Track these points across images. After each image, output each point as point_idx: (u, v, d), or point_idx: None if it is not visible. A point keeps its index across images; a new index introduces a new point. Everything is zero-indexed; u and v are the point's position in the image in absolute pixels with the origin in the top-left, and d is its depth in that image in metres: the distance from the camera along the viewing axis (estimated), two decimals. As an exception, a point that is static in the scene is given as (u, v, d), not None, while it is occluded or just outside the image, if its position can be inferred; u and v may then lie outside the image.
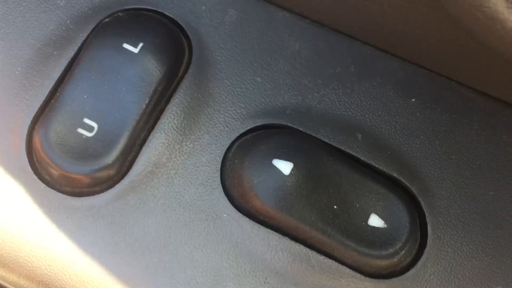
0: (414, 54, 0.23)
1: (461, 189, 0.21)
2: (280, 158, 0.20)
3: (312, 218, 0.20)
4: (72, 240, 0.20)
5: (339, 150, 0.21)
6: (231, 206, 0.20)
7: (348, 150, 0.21)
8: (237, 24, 0.22)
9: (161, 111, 0.21)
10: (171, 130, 0.21)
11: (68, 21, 0.22)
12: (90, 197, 0.20)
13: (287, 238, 0.20)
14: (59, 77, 0.21)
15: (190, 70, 0.21)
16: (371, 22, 0.22)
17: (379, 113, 0.22)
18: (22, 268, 0.20)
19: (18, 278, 0.20)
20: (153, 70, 0.20)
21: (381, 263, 0.20)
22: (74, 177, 0.19)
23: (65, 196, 0.20)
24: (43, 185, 0.20)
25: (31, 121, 0.20)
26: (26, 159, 0.20)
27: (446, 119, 0.22)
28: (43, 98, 0.21)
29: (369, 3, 0.21)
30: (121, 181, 0.20)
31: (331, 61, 0.22)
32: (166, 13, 0.22)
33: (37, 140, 0.20)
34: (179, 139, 0.21)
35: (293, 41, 0.22)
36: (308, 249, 0.20)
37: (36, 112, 0.20)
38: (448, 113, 0.22)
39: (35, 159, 0.20)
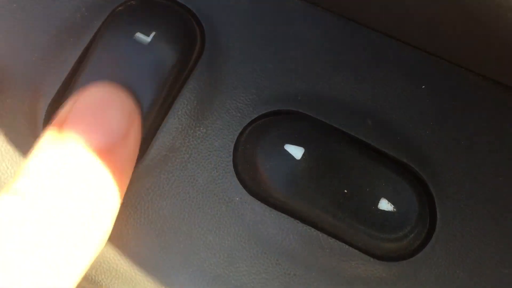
0: (425, 42, 0.23)
1: (470, 174, 0.21)
2: (291, 143, 0.20)
3: (323, 201, 0.20)
4: (89, 222, 0.20)
5: (350, 136, 0.21)
6: (243, 189, 0.20)
7: (358, 136, 0.21)
8: (249, 11, 0.22)
9: (175, 97, 0.21)
10: (184, 115, 0.21)
11: (83, 9, 0.22)
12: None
13: (298, 221, 0.20)
14: (74, 63, 0.21)
15: (203, 57, 0.22)
16: (382, 10, 0.22)
17: (390, 99, 0.22)
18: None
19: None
20: (165, 58, 0.21)
21: (390, 246, 0.20)
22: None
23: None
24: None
25: (47, 108, 0.21)
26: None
27: (456, 106, 0.22)
28: (59, 85, 0.21)
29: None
30: (136, 164, 0.20)
31: (343, 48, 0.22)
32: (178, 0, 0.22)
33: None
34: (192, 124, 0.21)
35: (305, 28, 0.23)
36: (318, 232, 0.20)
37: (53, 99, 0.21)
38: (458, 99, 0.22)
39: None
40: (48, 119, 0.21)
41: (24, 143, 0.21)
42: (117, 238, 0.20)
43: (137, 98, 0.20)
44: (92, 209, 0.17)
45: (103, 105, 0.18)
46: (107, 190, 0.17)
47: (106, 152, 0.17)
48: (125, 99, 0.19)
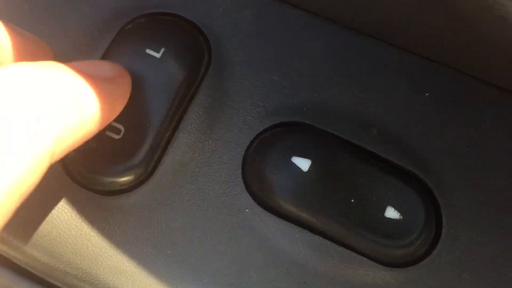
0: (427, 49, 0.23)
1: (475, 180, 0.22)
2: (298, 156, 0.21)
3: (331, 211, 0.21)
4: (104, 236, 0.21)
5: (355, 145, 0.22)
6: (253, 201, 0.21)
7: (364, 145, 0.22)
8: (253, 24, 0.23)
9: (184, 112, 0.22)
10: (193, 130, 0.22)
11: (92, 28, 0.23)
12: (120, 196, 0.21)
13: (307, 230, 0.21)
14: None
15: (209, 71, 0.22)
16: (384, 20, 0.23)
17: (394, 107, 0.22)
18: (58, 262, 0.21)
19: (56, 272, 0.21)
20: (175, 73, 0.21)
21: (397, 253, 0.21)
22: (104, 177, 0.21)
23: (96, 195, 0.21)
24: (75, 185, 0.21)
25: None
26: (59, 162, 0.21)
27: (459, 112, 0.22)
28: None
29: (383, 1, 0.21)
30: (148, 180, 0.21)
31: (346, 58, 0.23)
32: (185, 16, 0.23)
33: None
34: (201, 139, 0.22)
35: (308, 39, 0.23)
36: (327, 241, 0.21)
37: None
38: (461, 106, 0.23)
39: (66, 161, 0.21)
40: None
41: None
42: (133, 251, 0.21)
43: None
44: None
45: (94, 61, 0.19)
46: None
47: (87, 76, 0.17)
48: (116, 64, 0.19)
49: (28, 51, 0.19)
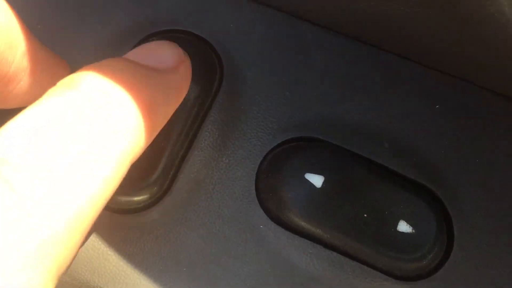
0: (438, 61, 0.23)
1: (487, 192, 0.22)
2: (311, 172, 0.21)
3: (344, 227, 0.21)
4: (121, 255, 0.21)
5: (367, 160, 0.22)
6: (267, 217, 0.21)
7: (375, 159, 0.22)
8: (265, 40, 0.23)
9: (198, 130, 0.22)
10: (207, 147, 0.22)
11: (105, 45, 0.23)
12: (136, 214, 0.21)
13: (321, 246, 0.21)
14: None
15: (222, 88, 0.22)
16: (395, 33, 0.23)
17: (405, 120, 0.23)
18: (76, 281, 0.21)
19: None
20: (188, 91, 0.21)
21: (409, 267, 0.21)
22: (120, 196, 0.21)
23: (113, 214, 0.21)
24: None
25: None
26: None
27: (471, 124, 0.23)
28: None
29: (393, 16, 0.21)
30: (164, 198, 0.21)
31: (357, 72, 0.23)
32: (197, 33, 0.23)
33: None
34: (215, 156, 0.22)
35: (320, 54, 0.23)
36: (341, 256, 0.21)
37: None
38: (472, 118, 0.23)
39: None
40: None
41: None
42: (150, 269, 0.21)
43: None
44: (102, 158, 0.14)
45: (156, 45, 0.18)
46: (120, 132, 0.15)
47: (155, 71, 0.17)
48: (176, 46, 0.18)
49: (45, 61, 0.19)
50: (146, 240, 0.21)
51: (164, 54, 0.18)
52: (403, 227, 0.21)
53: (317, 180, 0.21)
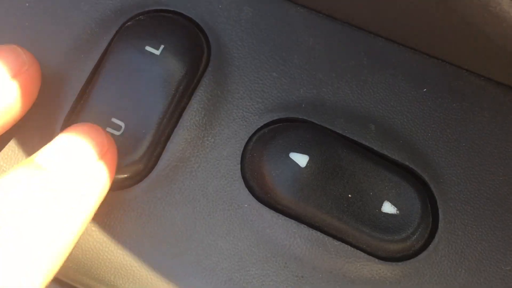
0: (425, 45, 0.23)
1: (472, 175, 0.22)
2: (296, 151, 0.21)
3: (328, 206, 0.21)
4: (105, 231, 0.21)
5: (353, 141, 0.22)
6: (251, 196, 0.21)
7: (361, 141, 0.22)
8: (253, 21, 0.23)
9: (183, 109, 0.22)
10: (193, 126, 0.22)
11: (93, 25, 0.23)
12: (120, 191, 0.21)
13: (305, 225, 0.21)
14: (86, 79, 0.22)
15: (209, 68, 0.22)
16: (382, 15, 0.23)
17: (392, 103, 0.23)
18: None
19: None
20: (174, 70, 0.22)
21: (394, 247, 0.21)
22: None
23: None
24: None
25: (63, 123, 0.22)
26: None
27: (457, 108, 0.23)
28: (73, 100, 0.22)
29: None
30: (148, 175, 0.21)
31: (345, 54, 0.23)
32: (184, 13, 0.23)
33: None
34: (200, 135, 0.22)
35: (308, 36, 0.23)
36: (324, 236, 0.21)
37: (67, 114, 0.22)
38: (459, 101, 0.23)
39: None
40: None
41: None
42: (133, 245, 0.21)
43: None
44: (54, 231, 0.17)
45: (79, 134, 0.20)
46: (72, 208, 0.18)
47: (77, 170, 0.18)
48: (101, 131, 0.20)
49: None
50: (130, 217, 0.21)
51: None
52: (388, 208, 0.21)
53: (301, 159, 0.21)
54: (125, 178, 0.21)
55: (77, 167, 0.19)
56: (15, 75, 0.20)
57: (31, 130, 0.22)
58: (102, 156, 0.19)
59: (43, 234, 0.17)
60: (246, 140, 0.22)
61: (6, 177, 0.18)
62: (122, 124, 0.21)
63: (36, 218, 0.17)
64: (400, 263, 0.21)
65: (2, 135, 0.21)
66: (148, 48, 0.22)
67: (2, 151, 0.22)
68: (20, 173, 0.18)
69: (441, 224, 0.21)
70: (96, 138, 0.19)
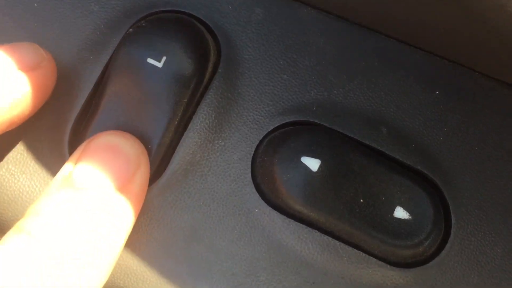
0: (437, 46, 0.23)
1: (484, 179, 0.22)
2: (308, 155, 0.21)
3: (340, 211, 0.21)
4: (115, 235, 0.21)
5: (365, 145, 0.22)
6: (262, 201, 0.21)
7: (373, 144, 0.22)
8: (263, 22, 0.23)
9: (193, 112, 0.22)
10: (203, 129, 0.22)
11: (102, 26, 0.23)
12: (130, 195, 0.21)
13: (316, 230, 0.21)
14: (96, 81, 0.22)
15: (219, 70, 0.22)
16: (394, 16, 0.22)
17: (403, 106, 0.22)
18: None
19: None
20: (184, 72, 0.21)
21: (406, 253, 0.21)
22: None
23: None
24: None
25: (71, 127, 0.22)
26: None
27: (469, 110, 0.22)
28: (82, 103, 0.22)
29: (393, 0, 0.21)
30: (159, 179, 0.21)
31: (356, 56, 0.23)
32: (194, 14, 0.23)
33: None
34: (211, 138, 0.22)
35: (318, 37, 0.23)
36: (336, 241, 0.21)
37: (75, 118, 0.22)
38: (471, 104, 0.22)
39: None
40: (72, 140, 0.21)
41: (50, 164, 0.22)
42: (144, 250, 0.21)
43: (146, 142, 0.21)
44: (99, 251, 0.18)
45: (114, 147, 0.19)
46: (113, 230, 0.18)
47: (113, 193, 0.18)
48: (134, 142, 0.20)
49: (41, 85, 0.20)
50: (140, 221, 0.21)
51: (122, 162, 0.19)
52: (400, 213, 0.21)
53: (313, 163, 0.21)
54: (135, 182, 0.21)
55: (118, 184, 0.18)
56: (33, 68, 0.20)
57: (40, 134, 0.22)
58: (137, 170, 0.19)
59: (95, 252, 0.17)
60: (256, 143, 0.22)
61: (48, 201, 0.18)
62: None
63: (87, 240, 0.17)
64: (412, 269, 0.21)
65: (12, 138, 0.21)
66: (150, 61, 0.21)
67: (11, 153, 0.22)
68: (62, 196, 0.18)
69: (453, 230, 0.21)
70: (130, 151, 0.19)
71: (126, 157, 0.19)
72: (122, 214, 0.18)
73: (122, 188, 0.18)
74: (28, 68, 0.20)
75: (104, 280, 0.18)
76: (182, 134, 0.21)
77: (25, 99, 0.20)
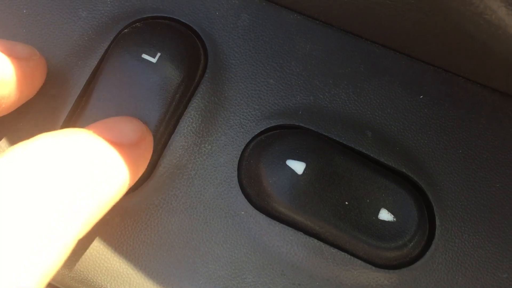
0: (422, 52, 0.23)
1: (468, 182, 0.22)
2: (293, 159, 0.21)
3: (325, 214, 0.21)
4: (101, 239, 0.21)
5: (350, 148, 0.22)
6: (248, 203, 0.21)
7: (358, 148, 0.22)
8: (250, 28, 0.23)
9: (180, 116, 0.22)
10: (190, 133, 0.22)
11: (90, 32, 0.23)
12: (117, 198, 0.21)
13: (302, 233, 0.21)
14: (84, 85, 0.22)
15: (206, 75, 0.22)
16: (379, 23, 0.23)
17: (388, 110, 0.23)
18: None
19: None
20: (171, 77, 0.22)
21: (391, 255, 0.21)
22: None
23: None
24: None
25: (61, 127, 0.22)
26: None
27: (453, 115, 0.23)
28: (70, 106, 0.22)
29: (378, 6, 0.22)
30: (145, 183, 0.21)
31: (341, 61, 0.23)
32: (182, 20, 0.23)
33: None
34: (197, 142, 0.22)
35: (304, 43, 0.23)
36: (321, 243, 0.21)
37: (65, 120, 0.22)
38: (455, 108, 0.23)
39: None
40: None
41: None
42: (130, 252, 0.21)
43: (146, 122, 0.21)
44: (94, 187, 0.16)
45: (118, 121, 0.19)
46: (104, 180, 0.17)
47: (111, 148, 0.18)
48: (139, 122, 0.20)
49: (28, 73, 0.20)
50: (127, 224, 0.21)
51: (128, 129, 0.19)
52: (385, 215, 0.21)
53: (298, 166, 0.21)
54: (122, 185, 0.21)
55: (123, 141, 0.18)
56: (25, 59, 0.20)
57: (32, 134, 0.22)
58: (141, 140, 0.19)
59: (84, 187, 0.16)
60: (243, 147, 0.22)
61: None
62: (119, 131, 0.21)
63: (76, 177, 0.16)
64: (397, 271, 0.21)
65: (2, 137, 0.21)
66: (144, 56, 0.22)
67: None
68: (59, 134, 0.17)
69: (438, 232, 0.21)
70: (136, 123, 0.19)
71: (133, 124, 0.19)
72: (116, 170, 0.17)
73: (125, 144, 0.18)
74: (19, 56, 0.20)
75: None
76: (169, 138, 0.22)
77: (13, 81, 0.19)
